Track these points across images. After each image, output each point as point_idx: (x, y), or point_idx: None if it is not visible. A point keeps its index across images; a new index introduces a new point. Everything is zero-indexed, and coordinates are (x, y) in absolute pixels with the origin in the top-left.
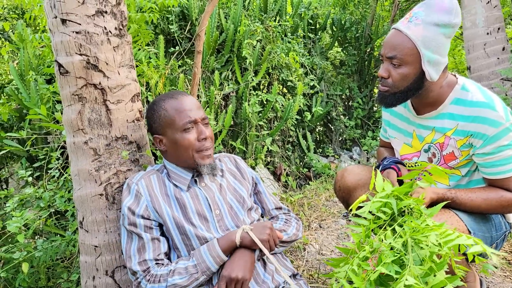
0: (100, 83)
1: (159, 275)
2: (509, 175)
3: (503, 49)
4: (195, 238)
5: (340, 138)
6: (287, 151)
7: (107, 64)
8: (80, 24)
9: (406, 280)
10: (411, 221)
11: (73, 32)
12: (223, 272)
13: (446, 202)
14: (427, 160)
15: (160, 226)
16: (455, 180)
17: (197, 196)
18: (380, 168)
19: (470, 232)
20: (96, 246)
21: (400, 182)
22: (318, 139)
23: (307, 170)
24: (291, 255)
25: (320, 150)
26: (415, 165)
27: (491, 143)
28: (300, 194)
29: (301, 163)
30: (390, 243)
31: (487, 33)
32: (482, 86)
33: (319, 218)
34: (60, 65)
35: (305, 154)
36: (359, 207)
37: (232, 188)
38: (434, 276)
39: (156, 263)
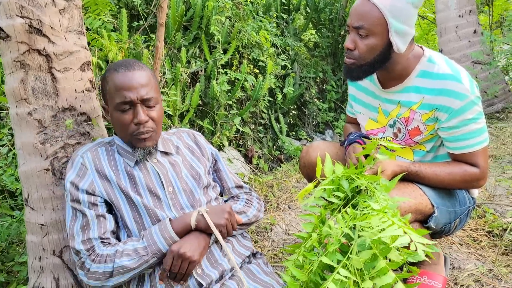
0: (44, 49)
1: (105, 255)
2: (473, 149)
3: (474, 32)
4: (146, 214)
5: (314, 121)
6: (259, 134)
7: (52, 28)
8: None
9: (338, 273)
10: (364, 201)
11: None
12: (172, 246)
13: (403, 174)
14: (392, 135)
15: (107, 203)
16: (419, 156)
17: (147, 171)
18: (345, 143)
19: (433, 206)
20: (43, 225)
21: (366, 157)
22: (291, 122)
23: (279, 153)
24: (257, 235)
25: (294, 133)
26: (380, 141)
27: (456, 116)
28: (270, 176)
29: (273, 146)
30: (340, 227)
31: (459, 16)
32: (450, 58)
33: (288, 199)
34: (0, 29)
35: (277, 137)
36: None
37: (188, 164)
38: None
39: (102, 242)
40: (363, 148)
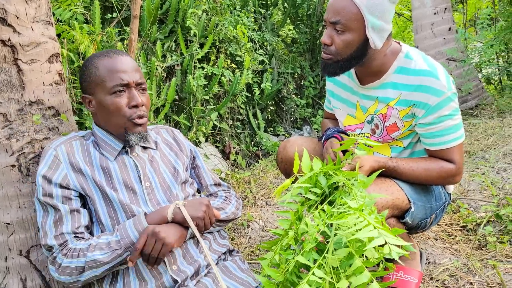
0: (9, 39)
1: (78, 249)
2: (449, 145)
3: (449, 29)
4: (121, 210)
5: (291, 117)
6: (236, 129)
7: (17, 18)
8: None
9: (313, 274)
10: (342, 197)
11: None
12: (147, 227)
13: (381, 171)
14: (370, 132)
15: (81, 197)
16: (397, 152)
17: (125, 165)
18: (323, 139)
19: (410, 202)
20: (8, 224)
21: (344, 153)
22: (269, 118)
23: (257, 148)
24: (234, 232)
25: (271, 129)
26: (358, 137)
27: (432, 112)
28: (248, 172)
29: (251, 142)
30: (317, 225)
31: (434, 13)
32: (426, 54)
33: (265, 196)
34: None
35: (255, 133)
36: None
37: (166, 160)
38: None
39: (75, 237)
40: (341, 144)
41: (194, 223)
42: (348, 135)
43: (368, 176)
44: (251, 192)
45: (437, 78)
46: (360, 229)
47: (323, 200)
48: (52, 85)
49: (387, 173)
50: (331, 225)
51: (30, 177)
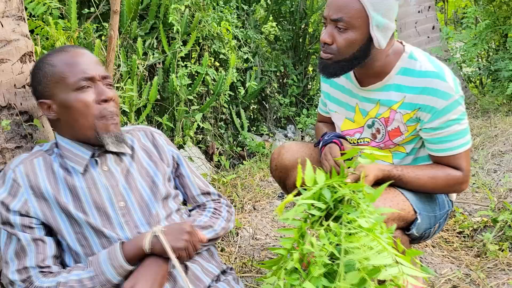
0: None
1: None
2: (456, 152)
3: (433, 27)
4: (93, 235)
5: (275, 116)
6: (219, 129)
7: None
8: None
9: None
10: (348, 213)
11: None
12: (125, 284)
13: (389, 182)
14: (370, 136)
15: (45, 224)
16: (399, 158)
17: (95, 184)
18: (320, 144)
19: (416, 212)
20: None
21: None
22: (252, 117)
23: (241, 149)
24: (222, 241)
25: (254, 128)
26: (357, 142)
27: (439, 116)
28: (233, 174)
29: (234, 142)
30: (323, 245)
31: (418, 11)
32: (430, 55)
33: (253, 200)
34: None
35: (238, 133)
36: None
37: (144, 172)
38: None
39: (41, 271)
40: (342, 153)
41: (175, 254)
42: (347, 140)
43: (371, 185)
44: (237, 196)
45: (444, 80)
46: (373, 254)
47: (327, 215)
48: (25, 87)
49: (391, 181)
50: (338, 244)
51: None
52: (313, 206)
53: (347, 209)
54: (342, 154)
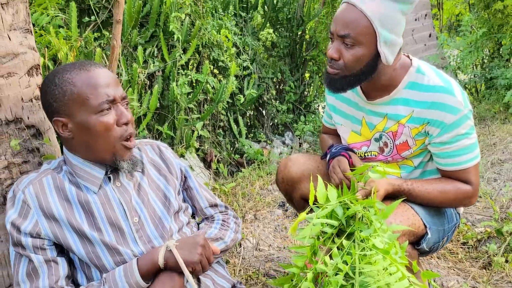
0: None
1: None
2: (466, 166)
3: (430, 35)
4: (106, 254)
5: (272, 123)
6: (218, 137)
7: None
8: None
9: None
10: (361, 230)
11: None
12: None
13: (402, 199)
14: (378, 150)
15: (56, 244)
16: (407, 172)
17: (108, 200)
18: (328, 157)
19: (426, 227)
20: None
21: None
22: (249, 123)
23: (239, 156)
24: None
25: (252, 135)
26: (364, 155)
27: (448, 131)
28: (232, 182)
29: (232, 149)
30: (336, 264)
31: (415, 19)
32: (437, 68)
33: (254, 209)
34: None
35: (236, 140)
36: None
37: (155, 186)
38: None
39: None
40: (354, 168)
41: (189, 268)
42: (355, 152)
43: (383, 200)
44: (238, 205)
45: (453, 95)
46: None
47: (338, 232)
48: (32, 101)
49: (400, 195)
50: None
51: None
52: (325, 224)
53: (359, 226)
54: (350, 167)
